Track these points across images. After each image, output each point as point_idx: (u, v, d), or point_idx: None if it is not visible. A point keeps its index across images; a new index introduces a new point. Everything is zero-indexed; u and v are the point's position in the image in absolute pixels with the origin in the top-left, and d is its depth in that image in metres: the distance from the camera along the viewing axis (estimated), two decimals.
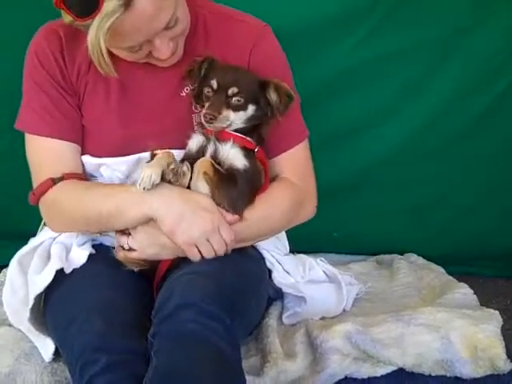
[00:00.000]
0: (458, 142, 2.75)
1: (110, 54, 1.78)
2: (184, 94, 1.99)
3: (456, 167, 2.79)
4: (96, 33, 1.67)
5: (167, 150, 1.86)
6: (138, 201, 1.82)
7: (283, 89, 1.89)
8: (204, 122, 1.86)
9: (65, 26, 1.95)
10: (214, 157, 1.88)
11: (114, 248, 1.95)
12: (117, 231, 1.92)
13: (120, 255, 1.91)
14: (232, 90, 1.85)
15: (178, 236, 1.80)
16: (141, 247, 1.88)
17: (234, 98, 1.86)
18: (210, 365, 1.60)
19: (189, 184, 1.87)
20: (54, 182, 1.94)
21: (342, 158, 2.76)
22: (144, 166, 1.82)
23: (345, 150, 2.76)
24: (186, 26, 1.90)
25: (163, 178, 1.80)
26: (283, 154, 2.03)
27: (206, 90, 1.89)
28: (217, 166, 1.84)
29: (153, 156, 1.87)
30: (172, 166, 1.82)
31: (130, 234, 1.90)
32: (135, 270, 1.92)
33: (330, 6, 2.54)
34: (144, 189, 1.76)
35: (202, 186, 1.84)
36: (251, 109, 1.89)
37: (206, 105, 1.87)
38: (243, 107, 1.87)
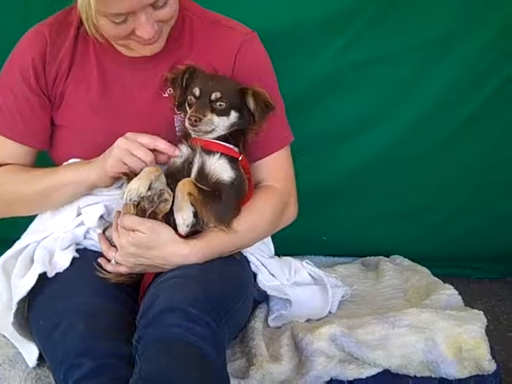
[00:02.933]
0: (444, 147, 2.77)
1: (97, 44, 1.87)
2: (167, 95, 1.99)
3: (442, 171, 2.81)
4: None
5: (156, 165, 1.86)
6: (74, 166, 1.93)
7: (261, 96, 1.89)
8: (189, 126, 1.85)
9: (51, 25, 1.98)
10: (201, 170, 1.88)
11: (98, 264, 1.93)
12: (103, 245, 1.92)
13: (109, 268, 1.89)
14: (215, 95, 1.86)
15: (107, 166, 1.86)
16: (128, 266, 1.88)
17: (217, 103, 1.86)
18: (195, 369, 1.59)
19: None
20: None
21: (330, 162, 2.77)
22: (133, 179, 1.81)
23: (332, 155, 2.77)
24: (174, 14, 1.88)
25: (138, 204, 1.80)
26: (267, 157, 2.04)
27: (189, 98, 1.89)
28: (199, 185, 1.84)
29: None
30: (148, 194, 1.79)
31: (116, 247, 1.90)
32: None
33: (316, 9, 2.55)
34: (130, 200, 1.76)
35: (186, 207, 1.82)
36: (234, 115, 1.89)
37: (190, 110, 1.87)
38: (226, 112, 1.88)
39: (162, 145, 1.87)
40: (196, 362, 1.59)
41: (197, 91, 1.88)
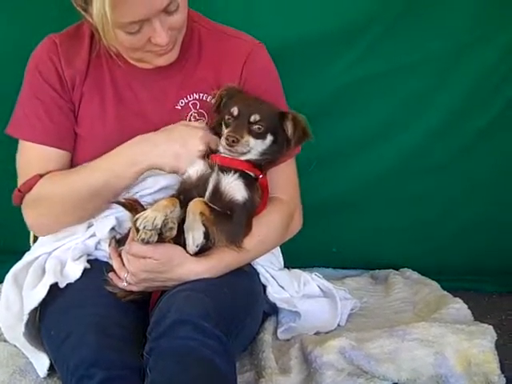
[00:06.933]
0: (456, 160, 2.76)
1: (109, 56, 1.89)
2: (179, 107, 2.01)
3: (453, 185, 2.80)
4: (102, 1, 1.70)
5: (173, 198, 1.84)
6: (130, 160, 1.89)
7: (301, 123, 1.89)
8: (225, 145, 1.84)
9: (63, 37, 2.01)
10: (216, 188, 1.87)
11: (108, 273, 1.93)
12: (115, 263, 1.91)
13: (120, 286, 1.89)
14: (254, 117, 1.85)
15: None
16: (140, 287, 1.89)
17: (255, 126, 1.85)
18: (206, 381, 1.60)
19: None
20: (41, 177, 1.96)
21: (340, 174, 2.77)
22: (149, 209, 1.81)
23: (343, 167, 2.77)
24: (184, 21, 1.90)
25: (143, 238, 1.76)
26: (275, 168, 2.04)
27: (227, 117, 1.88)
28: (210, 205, 1.83)
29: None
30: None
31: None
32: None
33: (328, 23, 2.56)
34: (144, 228, 1.74)
35: (198, 227, 1.81)
36: (269, 139, 1.88)
37: (228, 129, 1.86)
38: (263, 135, 1.87)
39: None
40: (208, 374, 1.60)
41: (235, 111, 1.87)
